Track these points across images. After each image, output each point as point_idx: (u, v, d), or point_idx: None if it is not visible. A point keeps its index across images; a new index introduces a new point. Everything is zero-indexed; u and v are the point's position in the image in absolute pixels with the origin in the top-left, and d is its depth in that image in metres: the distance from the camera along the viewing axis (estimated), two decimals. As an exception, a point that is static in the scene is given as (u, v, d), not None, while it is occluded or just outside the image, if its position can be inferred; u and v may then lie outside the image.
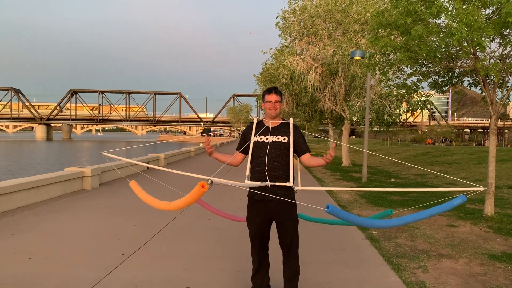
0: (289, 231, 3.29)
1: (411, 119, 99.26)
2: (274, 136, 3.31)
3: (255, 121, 3.48)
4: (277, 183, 3.18)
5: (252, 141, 3.34)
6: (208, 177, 2.39)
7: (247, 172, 3.32)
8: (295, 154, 3.39)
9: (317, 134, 15.83)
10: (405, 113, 19.91)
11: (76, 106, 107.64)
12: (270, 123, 3.38)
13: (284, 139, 3.30)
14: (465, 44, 6.64)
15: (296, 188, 3.29)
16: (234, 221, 4.30)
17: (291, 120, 3.42)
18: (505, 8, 5.85)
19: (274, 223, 3.35)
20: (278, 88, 3.47)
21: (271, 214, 3.26)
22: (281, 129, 3.36)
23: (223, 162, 3.36)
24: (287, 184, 3.20)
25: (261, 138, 3.32)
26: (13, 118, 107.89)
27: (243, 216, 3.78)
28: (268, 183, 3.17)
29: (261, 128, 3.37)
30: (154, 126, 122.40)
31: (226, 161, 3.37)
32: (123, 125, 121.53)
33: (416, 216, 2.81)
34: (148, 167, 14.48)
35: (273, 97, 3.32)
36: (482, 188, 2.94)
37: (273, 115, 3.35)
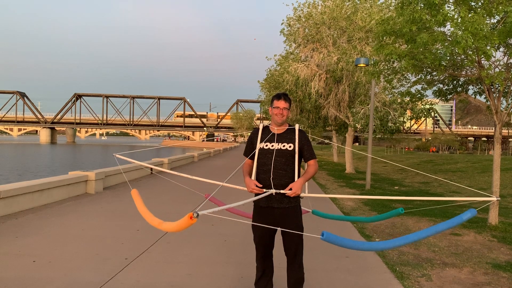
0: (294, 238, 3.27)
1: (415, 126, 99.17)
2: (280, 143, 3.27)
3: (261, 127, 3.42)
4: (282, 191, 3.17)
5: (257, 149, 3.32)
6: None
7: (253, 179, 3.31)
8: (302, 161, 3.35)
9: (322, 140, 15.72)
10: (409, 120, 19.90)
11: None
12: (276, 130, 3.35)
13: (290, 146, 3.27)
14: (470, 52, 6.64)
15: (302, 194, 3.28)
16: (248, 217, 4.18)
17: (297, 126, 3.37)
18: (510, 17, 5.87)
19: (279, 230, 3.34)
20: (288, 95, 3.41)
21: (276, 221, 3.23)
22: (287, 135, 3.32)
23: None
24: None
25: (266, 145, 3.29)
26: (18, 122, 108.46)
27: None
28: (273, 191, 3.16)
29: (267, 134, 3.34)
30: (158, 130, 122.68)
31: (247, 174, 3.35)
32: (127, 129, 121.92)
33: (421, 234, 2.65)
34: (152, 171, 14.52)
35: (281, 103, 3.27)
36: (494, 198, 2.83)
37: (279, 122, 3.31)
